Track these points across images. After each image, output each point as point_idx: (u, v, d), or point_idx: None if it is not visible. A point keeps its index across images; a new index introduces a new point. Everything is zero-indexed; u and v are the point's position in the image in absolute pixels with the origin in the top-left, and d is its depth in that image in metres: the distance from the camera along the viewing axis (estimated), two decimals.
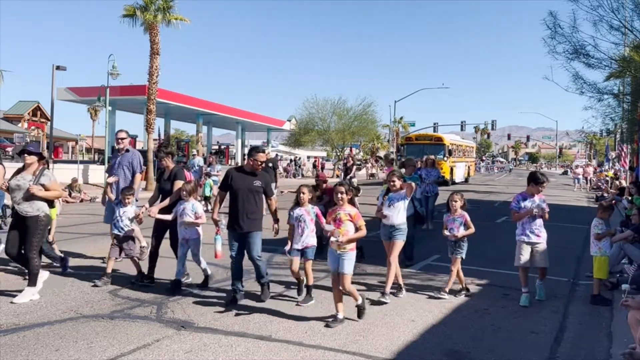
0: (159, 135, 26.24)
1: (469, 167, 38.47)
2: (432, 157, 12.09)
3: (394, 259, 6.28)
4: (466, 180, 36.40)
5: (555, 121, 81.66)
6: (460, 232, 6.58)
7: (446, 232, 6.69)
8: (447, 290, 6.47)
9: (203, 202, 14.06)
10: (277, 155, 45.84)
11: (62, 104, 56.56)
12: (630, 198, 12.61)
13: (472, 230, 6.64)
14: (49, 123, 37.23)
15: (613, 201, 19.88)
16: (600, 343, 5.03)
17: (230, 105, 69.72)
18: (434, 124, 54.78)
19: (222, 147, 62.04)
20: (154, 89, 24.48)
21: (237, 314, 5.55)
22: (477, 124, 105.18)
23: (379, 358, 4.48)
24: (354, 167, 16.78)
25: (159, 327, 5.05)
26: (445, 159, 30.13)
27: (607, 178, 29.86)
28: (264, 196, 6.06)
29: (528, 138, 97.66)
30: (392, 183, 6.37)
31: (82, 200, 17.62)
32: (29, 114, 49.19)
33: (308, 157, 53.68)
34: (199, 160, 16.92)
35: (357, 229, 5.35)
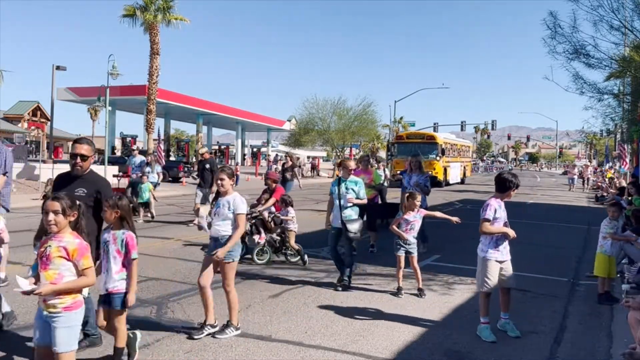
0: (159, 135, 26.19)
1: (464, 167, 37.33)
2: (419, 157, 9.62)
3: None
4: (462, 181, 35.35)
5: (555, 121, 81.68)
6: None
7: (408, 237, 6.59)
8: (420, 286, 6.57)
9: (143, 210, 12.84)
10: (276, 155, 45.85)
11: (62, 104, 56.61)
12: (630, 198, 12.61)
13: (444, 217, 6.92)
14: (49, 123, 37.25)
15: (613, 201, 19.89)
16: (600, 343, 5.03)
17: (230, 105, 69.82)
18: (434, 124, 54.86)
19: (222, 147, 62.03)
20: (154, 89, 24.51)
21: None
22: (477, 124, 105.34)
23: (379, 358, 4.48)
24: (295, 169, 14.82)
25: (159, 327, 5.05)
26: (438, 158, 29.05)
27: (607, 178, 29.85)
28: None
29: (528, 138, 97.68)
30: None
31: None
32: (29, 114, 49.19)
33: (308, 157, 53.66)
34: (139, 159, 15.03)
35: (79, 274, 3.33)
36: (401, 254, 6.56)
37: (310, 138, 44.52)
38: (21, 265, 7.57)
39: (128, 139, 47.30)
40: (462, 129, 60.81)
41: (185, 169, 28.61)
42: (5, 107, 49.91)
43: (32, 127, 48.27)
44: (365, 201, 6.90)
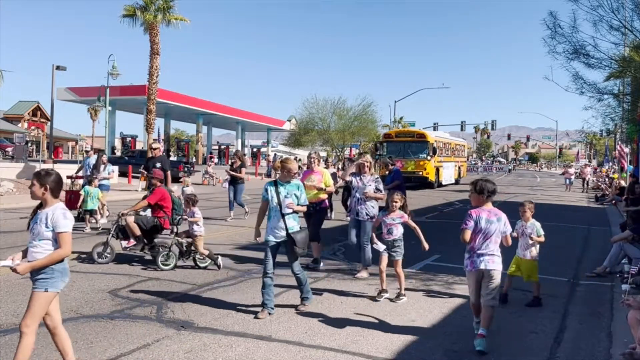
0: (159, 135, 26.22)
1: (459, 167, 35.41)
2: (366, 158, 7.67)
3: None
4: (456, 182, 33.61)
5: (555, 121, 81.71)
6: (396, 232, 6.26)
7: (377, 242, 6.25)
8: (403, 292, 6.24)
9: (89, 217, 11.17)
10: (275, 155, 45.85)
11: (62, 104, 56.59)
12: (631, 198, 12.58)
13: (415, 225, 6.35)
14: (49, 123, 37.22)
15: (613, 201, 19.91)
16: (600, 343, 5.03)
17: (230, 105, 69.81)
18: (434, 123, 54.91)
19: (222, 147, 62.08)
20: (154, 89, 24.51)
21: (237, 314, 5.54)
22: (477, 124, 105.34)
23: (379, 358, 4.48)
24: (243, 169, 13.38)
25: (159, 327, 5.05)
26: (429, 158, 27.37)
27: (612, 179, 29.84)
28: None
29: (528, 138, 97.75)
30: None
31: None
32: (29, 114, 49.23)
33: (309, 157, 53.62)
34: (94, 160, 13.62)
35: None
36: (384, 253, 6.24)
37: (310, 138, 44.54)
38: None
39: (128, 139, 47.35)
40: (462, 129, 60.87)
41: (186, 169, 28.63)
42: (5, 107, 49.99)
43: (32, 127, 48.30)
44: (305, 208, 5.95)
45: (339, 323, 5.33)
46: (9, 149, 31.17)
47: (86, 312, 5.49)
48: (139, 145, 45.47)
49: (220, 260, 7.67)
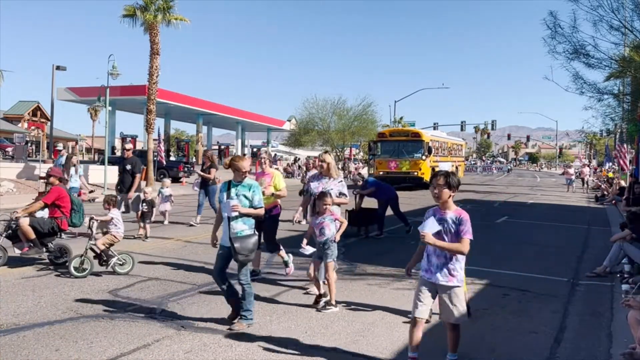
0: (159, 135, 26.21)
1: (456, 167, 34.40)
2: (325, 158, 6.76)
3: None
4: None
5: (555, 121, 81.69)
6: (333, 233, 5.85)
7: (304, 245, 5.87)
8: (333, 302, 5.73)
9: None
10: (275, 155, 45.84)
11: (62, 104, 56.62)
12: (631, 197, 12.58)
13: (343, 228, 6.04)
14: (49, 123, 37.25)
15: (613, 201, 19.90)
16: (600, 343, 5.02)
17: (230, 105, 69.79)
18: (434, 123, 54.88)
19: (222, 147, 62.04)
20: (154, 89, 24.49)
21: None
22: (477, 124, 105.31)
23: (379, 358, 4.48)
24: (213, 170, 12.28)
25: (159, 327, 5.05)
26: (425, 157, 26.55)
27: (607, 178, 29.84)
28: None
29: (528, 138, 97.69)
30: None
31: (82, 200, 17.58)
32: (29, 114, 49.21)
33: (308, 157, 53.71)
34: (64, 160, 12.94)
35: None
36: (314, 258, 5.87)
37: (310, 138, 44.58)
38: (21, 265, 7.56)
39: (128, 139, 47.34)
40: (462, 129, 60.83)
41: (185, 169, 28.64)
42: (5, 107, 49.97)
43: (32, 127, 48.28)
44: (260, 212, 5.24)
45: (339, 323, 5.33)
46: (9, 149, 31.17)
47: (86, 312, 5.49)
48: (139, 145, 45.45)
49: (114, 260, 7.06)
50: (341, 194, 6.63)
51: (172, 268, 7.70)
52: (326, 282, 5.83)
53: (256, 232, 5.24)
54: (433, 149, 27.63)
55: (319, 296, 5.88)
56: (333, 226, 5.87)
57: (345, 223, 6.16)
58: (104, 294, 6.18)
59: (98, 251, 7.07)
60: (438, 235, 3.95)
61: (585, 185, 30.98)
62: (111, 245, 7.25)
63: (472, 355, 4.59)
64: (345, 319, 5.45)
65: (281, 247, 7.09)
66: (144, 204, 10.21)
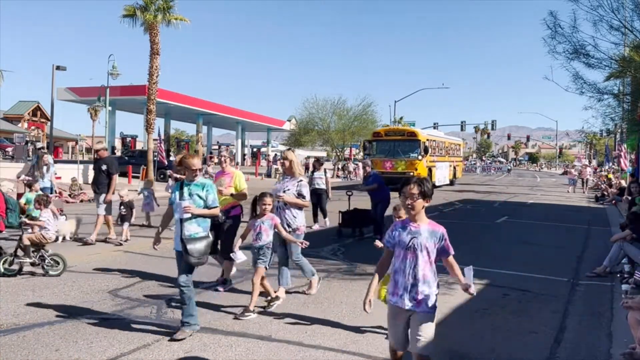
0: (159, 135, 26.21)
1: (454, 167, 33.75)
2: (286, 155, 6.48)
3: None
4: (451, 183, 32.12)
5: (555, 121, 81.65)
6: (265, 238, 5.55)
7: (236, 251, 5.65)
8: (251, 308, 5.44)
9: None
10: (275, 155, 45.88)
11: (62, 104, 56.60)
12: (630, 198, 12.59)
13: (286, 233, 5.82)
14: (49, 123, 37.24)
15: (613, 201, 19.90)
16: (600, 343, 5.02)
17: (230, 105, 69.80)
18: (434, 123, 54.90)
19: (222, 147, 62.07)
20: (154, 89, 24.50)
21: (237, 315, 5.54)
22: (477, 124, 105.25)
23: (378, 358, 4.47)
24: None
25: (159, 327, 5.05)
26: (421, 157, 25.78)
27: (606, 178, 29.83)
28: None
29: (528, 138, 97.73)
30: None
31: (82, 201, 17.59)
32: (29, 114, 49.24)
33: (307, 157, 53.79)
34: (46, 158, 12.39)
35: None
36: (253, 264, 5.61)
37: (310, 138, 44.62)
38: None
39: (128, 139, 47.34)
40: (462, 129, 60.86)
41: None
42: (5, 107, 49.98)
43: (32, 127, 48.29)
44: (215, 212, 5.00)
45: (339, 323, 5.33)
46: (9, 149, 31.18)
47: (86, 312, 5.49)
48: (139, 145, 45.46)
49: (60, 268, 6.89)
50: (300, 195, 6.18)
51: (172, 268, 7.68)
52: (262, 285, 5.56)
53: (210, 235, 4.96)
54: (430, 149, 27.03)
55: (273, 299, 5.71)
56: (272, 232, 5.57)
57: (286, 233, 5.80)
58: (104, 294, 6.18)
59: (23, 246, 6.88)
60: (409, 251, 3.37)
61: (585, 185, 30.92)
62: (40, 245, 6.99)
63: (472, 355, 4.59)
64: (345, 319, 5.45)
65: (231, 261, 6.39)
66: (122, 207, 9.93)
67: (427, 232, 3.41)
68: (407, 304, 3.37)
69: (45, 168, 11.20)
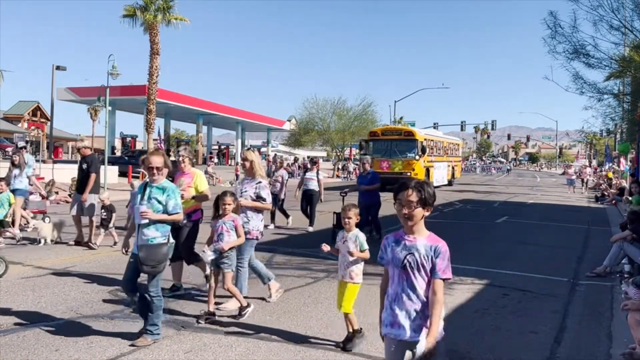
0: (159, 135, 26.24)
1: (453, 167, 33.26)
2: (247, 155, 6.12)
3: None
4: (449, 183, 31.72)
5: (555, 121, 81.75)
6: (227, 241, 5.27)
7: (205, 249, 5.34)
8: (245, 304, 5.33)
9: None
10: (275, 155, 45.89)
11: (62, 104, 56.63)
12: (629, 198, 12.60)
13: (242, 239, 5.43)
14: (49, 123, 37.25)
15: (613, 201, 19.91)
16: (600, 343, 5.02)
17: (230, 105, 69.83)
18: (434, 123, 54.94)
19: (222, 147, 62.07)
20: (154, 89, 24.52)
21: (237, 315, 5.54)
22: (477, 124, 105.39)
23: (378, 358, 4.47)
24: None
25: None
26: (418, 157, 25.27)
27: (607, 178, 29.84)
28: None
29: (528, 138, 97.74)
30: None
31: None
32: (29, 114, 49.23)
33: (307, 157, 53.82)
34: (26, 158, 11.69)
35: None
36: (212, 266, 5.36)
37: (310, 138, 44.59)
38: (21, 265, 7.57)
39: (128, 139, 47.36)
40: (462, 129, 60.92)
41: None
42: (5, 107, 49.97)
43: (32, 127, 48.27)
44: (176, 217, 4.66)
45: (339, 323, 5.32)
46: (9, 149, 31.19)
47: (86, 312, 5.49)
48: (139, 145, 45.49)
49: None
50: (258, 197, 5.81)
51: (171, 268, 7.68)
52: (229, 292, 5.33)
53: (171, 241, 4.67)
54: (427, 149, 26.65)
55: (207, 313, 5.23)
56: (234, 234, 5.32)
57: (243, 239, 5.44)
58: (104, 294, 6.17)
59: None
60: (405, 271, 2.78)
61: (585, 185, 30.92)
62: None
63: (472, 355, 4.59)
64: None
65: (200, 259, 6.21)
66: (103, 211, 9.34)
67: (424, 248, 2.77)
68: (408, 334, 2.80)
69: (17, 170, 10.19)
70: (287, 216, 12.27)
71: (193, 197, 6.09)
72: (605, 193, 23.84)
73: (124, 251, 4.98)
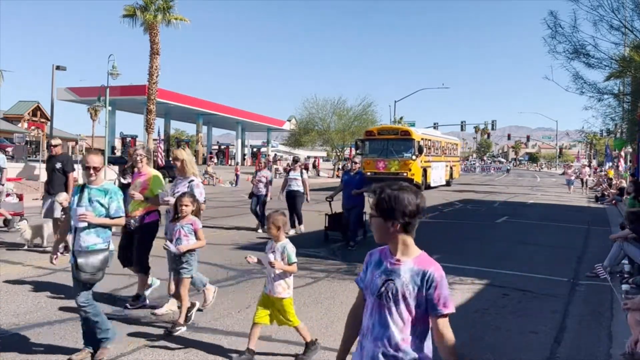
0: (159, 135, 26.24)
1: (451, 167, 32.59)
2: (178, 154, 5.86)
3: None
4: (448, 184, 31.17)
5: (555, 121, 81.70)
6: (186, 244, 4.98)
7: (168, 243, 5.04)
8: (181, 321, 4.94)
9: None
10: (275, 155, 45.87)
11: (62, 104, 56.64)
12: (626, 197, 12.60)
13: (202, 242, 5.14)
14: (49, 123, 37.25)
15: (613, 201, 19.90)
16: (600, 343, 5.03)
17: (230, 105, 69.86)
18: (434, 123, 54.94)
19: (222, 147, 62.08)
20: (154, 89, 24.53)
21: (237, 314, 5.54)
22: (477, 124, 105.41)
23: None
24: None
25: (159, 327, 5.05)
26: (415, 157, 24.64)
27: (607, 178, 29.83)
28: None
29: (528, 138, 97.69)
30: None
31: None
32: (29, 114, 49.22)
33: (307, 157, 53.82)
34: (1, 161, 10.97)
35: None
36: (170, 271, 5.15)
37: (310, 138, 44.60)
38: (21, 265, 7.57)
39: (128, 139, 47.38)
40: (462, 129, 60.90)
41: None
42: (5, 107, 49.97)
43: (32, 127, 48.28)
44: (118, 222, 4.34)
45: (339, 323, 5.32)
46: (9, 149, 31.19)
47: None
48: (139, 146, 45.48)
49: None
50: (191, 195, 5.35)
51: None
52: (177, 298, 5.03)
53: (111, 248, 4.32)
54: (425, 148, 25.99)
55: (176, 324, 4.91)
56: (193, 237, 5.03)
57: (203, 242, 5.13)
58: (103, 295, 6.17)
59: None
60: (382, 301, 2.17)
61: (585, 185, 30.89)
62: None
63: (472, 355, 4.59)
64: (345, 319, 5.43)
65: (148, 272, 5.86)
66: (62, 212, 8.55)
67: (409, 273, 2.15)
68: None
69: None
70: (262, 223, 11.33)
71: (146, 199, 5.67)
72: (605, 193, 23.84)
73: (52, 262, 4.52)
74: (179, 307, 5.11)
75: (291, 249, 4.34)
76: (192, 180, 5.57)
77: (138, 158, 5.89)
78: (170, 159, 5.72)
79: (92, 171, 4.21)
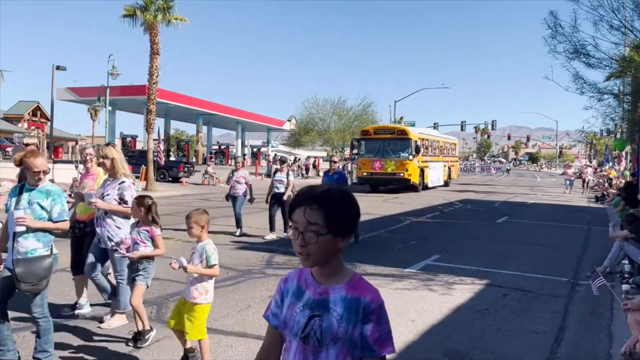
0: (159, 135, 26.24)
1: (449, 167, 32.12)
2: (108, 153, 5.14)
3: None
4: (446, 184, 30.75)
5: (555, 121, 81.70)
6: (142, 251, 4.55)
7: (123, 251, 4.79)
8: (147, 327, 4.61)
9: None
10: (275, 155, 45.87)
11: (62, 104, 56.65)
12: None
13: (160, 250, 4.68)
14: (49, 123, 37.27)
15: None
16: (600, 343, 5.03)
17: (230, 105, 69.87)
18: (434, 123, 54.96)
19: (222, 147, 62.10)
20: (154, 89, 24.51)
21: (237, 314, 5.54)
22: (477, 124, 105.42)
23: None
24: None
25: (159, 327, 5.04)
26: (412, 157, 24.25)
27: (607, 178, 29.82)
28: None
29: (528, 138, 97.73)
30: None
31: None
32: (29, 114, 49.25)
33: (307, 157, 53.83)
34: None
35: None
36: (128, 282, 4.74)
37: (310, 138, 44.61)
38: None
39: (128, 139, 47.37)
40: (462, 129, 60.92)
41: (185, 168, 28.68)
42: (5, 107, 50.01)
43: (32, 127, 48.28)
44: (61, 226, 4.00)
45: None
46: (9, 149, 31.19)
47: (86, 312, 5.48)
48: (139, 146, 45.48)
49: None
50: (121, 199, 4.99)
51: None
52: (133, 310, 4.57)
53: (54, 252, 3.98)
54: (422, 148, 25.51)
55: (141, 332, 4.55)
56: (150, 245, 4.62)
57: (162, 250, 4.69)
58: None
59: None
60: (307, 344, 1.66)
61: (585, 185, 30.82)
62: None
63: (472, 355, 4.59)
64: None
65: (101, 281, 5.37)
66: None
67: (342, 304, 1.63)
68: None
69: None
70: (238, 226, 11.05)
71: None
72: (606, 193, 23.84)
73: None
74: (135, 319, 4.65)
75: (211, 251, 3.99)
76: (122, 182, 5.06)
77: (88, 157, 5.56)
78: (100, 156, 5.14)
79: (40, 175, 3.89)
